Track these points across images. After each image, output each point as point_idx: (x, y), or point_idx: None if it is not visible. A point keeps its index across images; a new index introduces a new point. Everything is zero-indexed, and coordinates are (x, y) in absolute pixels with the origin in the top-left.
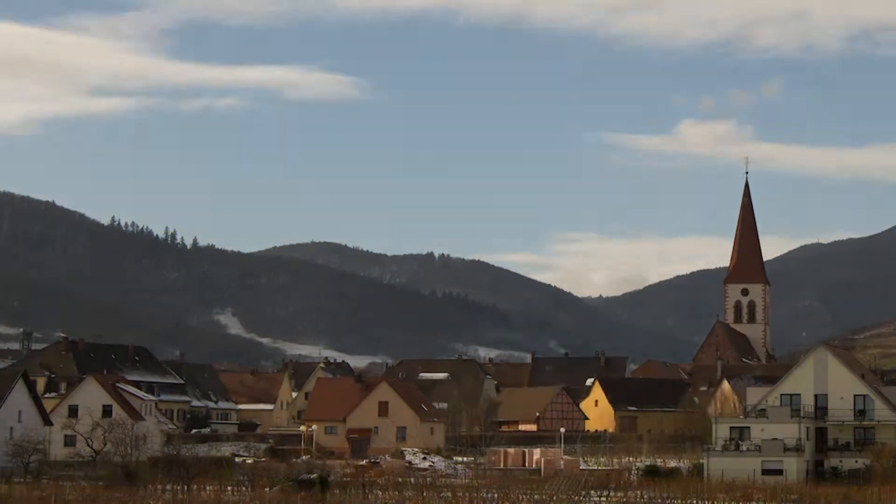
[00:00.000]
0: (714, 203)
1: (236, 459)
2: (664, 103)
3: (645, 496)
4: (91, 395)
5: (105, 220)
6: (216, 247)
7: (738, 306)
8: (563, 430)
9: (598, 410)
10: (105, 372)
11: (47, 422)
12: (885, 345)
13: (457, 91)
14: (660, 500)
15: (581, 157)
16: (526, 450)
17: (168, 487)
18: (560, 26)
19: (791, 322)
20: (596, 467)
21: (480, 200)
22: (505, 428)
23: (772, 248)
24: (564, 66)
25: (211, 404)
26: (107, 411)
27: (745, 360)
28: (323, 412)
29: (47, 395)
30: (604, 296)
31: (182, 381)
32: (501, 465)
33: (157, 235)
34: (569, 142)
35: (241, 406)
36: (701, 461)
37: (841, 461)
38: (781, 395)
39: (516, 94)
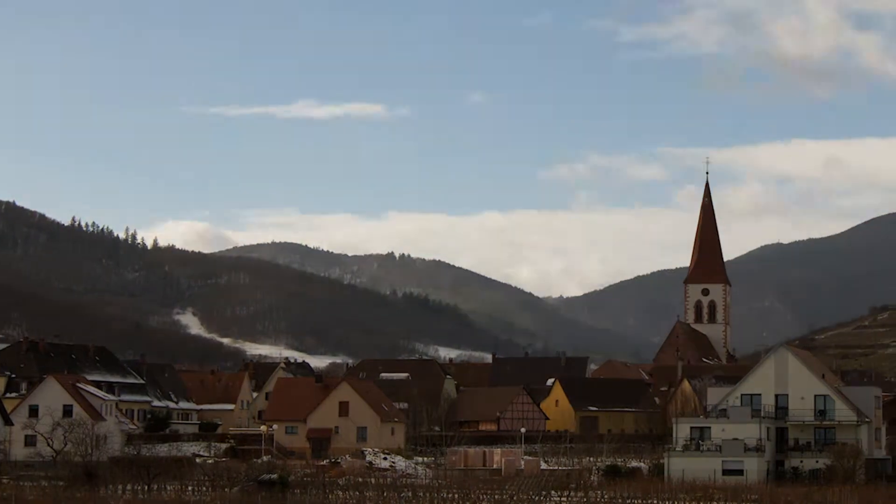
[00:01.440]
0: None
1: (197, 459)
2: None
3: (605, 496)
4: (52, 396)
5: (65, 221)
6: (176, 247)
7: (698, 306)
8: (523, 430)
9: (558, 410)
10: (66, 372)
11: (8, 422)
12: (845, 345)
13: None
14: (620, 501)
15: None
16: (486, 450)
17: (129, 487)
18: None
19: (751, 322)
20: (556, 467)
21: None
22: (465, 428)
23: (732, 248)
24: None
25: (171, 404)
26: (67, 411)
27: (705, 360)
28: (283, 412)
29: (8, 396)
30: (564, 296)
31: (143, 382)
32: (462, 465)
33: (117, 236)
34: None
35: (201, 406)
36: (662, 461)
37: (801, 461)
38: (742, 395)
39: None
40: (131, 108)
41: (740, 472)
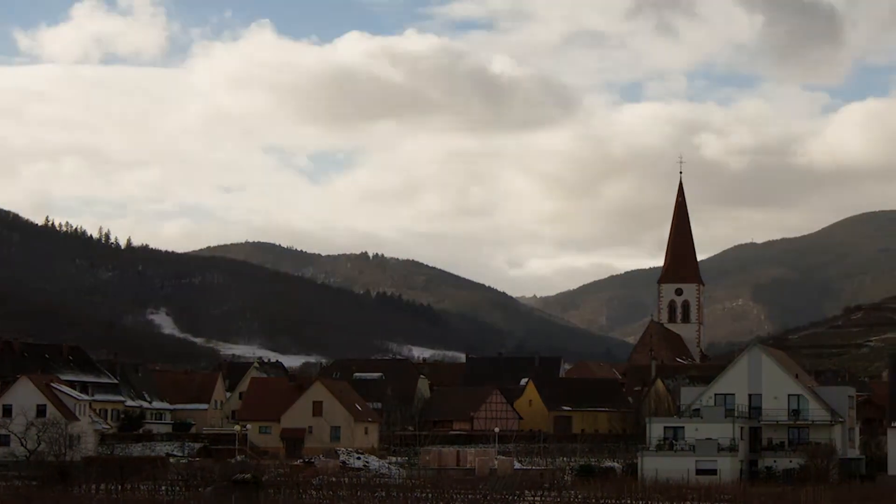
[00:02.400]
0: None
1: (170, 459)
2: None
3: (579, 496)
4: (25, 395)
5: (39, 221)
6: (150, 247)
7: (672, 306)
8: (497, 429)
9: (532, 410)
10: (39, 372)
11: None
12: (819, 344)
13: None
14: (594, 501)
15: None
16: (460, 450)
17: (102, 487)
18: None
19: (725, 322)
20: (530, 467)
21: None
22: (439, 428)
23: (706, 247)
24: None
25: (145, 404)
26: (41, 411)
27: (679, 359)
28: (257, 412)
29: None
30: (538, 296)
31: (116, 381)
32: (435, 465)
33: (90, 235)
34: None
35: (175, 406)
36: (635, 461)
37: (775, 461)
38: (715, 394)
39: None
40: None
41: (714, 472)
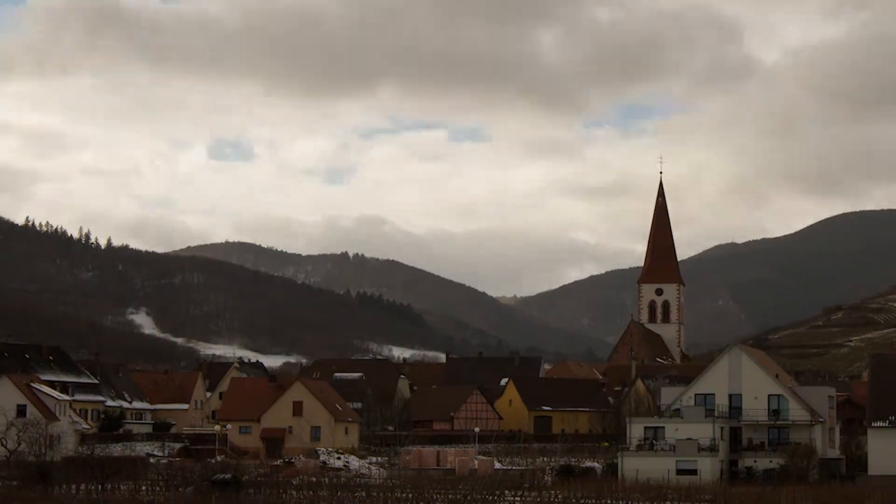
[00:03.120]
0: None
1: (151, 459)
2: None
3: (559, 496)
4: (5, 395)
5: (19, 220)
6: (130, 247)
7: (652, 306)
8: (477, 429)
9: (512, 410)
10: (20, 372)
11: None
12: (799, 344)
13: None
14: (574, 501)
15: None
16: (440, 449)
17: (82, 487)
18: None
19: (705, 322)
20: (510, 467)
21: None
22: (419, 428)
23: (686, 248)
24: None
25: (125, 404)
26: (21, 411)
27: (659, 359)
28: (237, 412)
29: None
30: (518, 296)
31: (96, 381)
32: (415, 465)
33: (71, 235)
34: None
35: (155, 406)
36: (615, 461)
37: (755, 461)
38: (696, 394)
39: None
40: None
41: (694, 472)
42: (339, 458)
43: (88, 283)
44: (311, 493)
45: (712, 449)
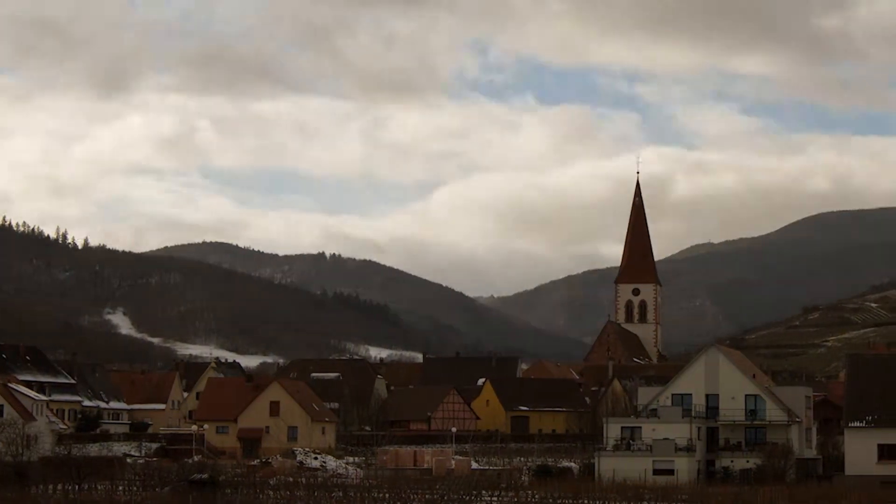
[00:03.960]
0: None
1: (128, 459)
2: None
3: (536, 496)
4: None
5: None
6: (107, 247)
7: (629, 306)
8: (454, 429)
9: (489, 410)
10: None
11: None
12: (776, 345)
13: None
14: (551, 501)
15: None
16: (417, 450)
17: (59, 487)
18: None
19: (682, 322)
20: (487, 467)
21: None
22: (396, 428)
23: (663, 248)
24: None
25: (102, 404)
26: None
27: (636, 359)
28: (214, 412)
29: None
30: (495, 296)
31: (73, 381)
32: (392, 465)
33: (48, 235)
34: None
35: (132, 406)
36: (592, 461)
37: (732, 461)
38: (672, 395)
39: None
40: None
41: (671, 472)
42: (315, 458)
43: (65, 283)
44: (288, 493)
45: (689, 449)
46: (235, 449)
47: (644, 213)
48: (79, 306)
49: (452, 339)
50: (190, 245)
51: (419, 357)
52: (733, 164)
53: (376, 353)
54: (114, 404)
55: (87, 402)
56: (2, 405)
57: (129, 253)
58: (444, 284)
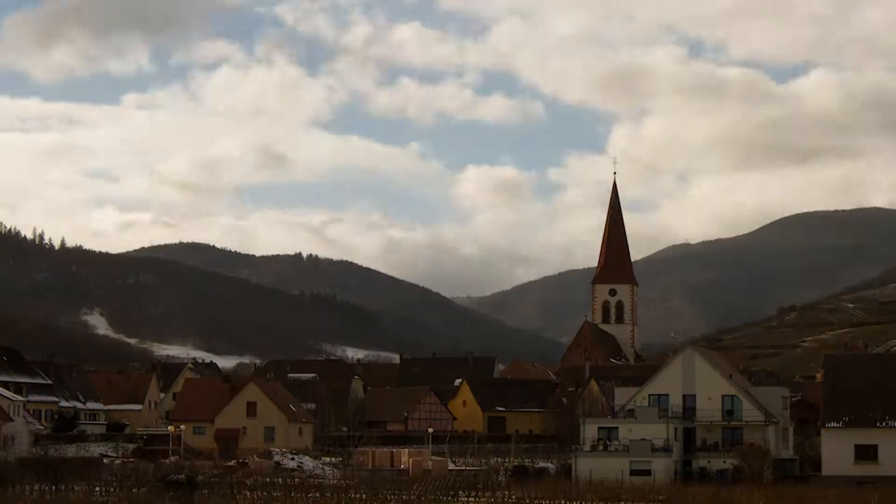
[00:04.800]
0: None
1: (104, 460)
2: None
3: (513, 497)
4: None
5: None
6: (84, 247)
7: (606, 307)
8: (431, 430)
9: (466, 411)
10: None
11: None
12: (753, 345)
13: None
14: (528, 501)
15: None
16: (394, 450)
17: (36, 488)
18: None
19: (659, 322)
20: (464, 468)
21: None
22: (373, 428)
23: (640, 248)
24: None
25: (79, 405)
26: None
27: (613, 360)
28: (191, 412)
29: None
30: (472, 296)
31: (50, 382)
32: (369, 465)
33: (24, 236)
34: None
35: (109, 406)
36: (569, 462)
37: (709, 462)
38: (649, 395)
39: None
40: None
41: (648, 473)
42: (292, 459)
43: (42, 284)
44: (265, 493)
45: (666, 449)
46: (212, 449)
47: (621, 213)
48: (56, 307)
49: (429, 339)
50: (167, 246)
51: (396, 358)
52: None
53: (353, 353)
54: (91, 405)
55: (64, 403)
56: None
57: (107, 254)
58: (420, 285)
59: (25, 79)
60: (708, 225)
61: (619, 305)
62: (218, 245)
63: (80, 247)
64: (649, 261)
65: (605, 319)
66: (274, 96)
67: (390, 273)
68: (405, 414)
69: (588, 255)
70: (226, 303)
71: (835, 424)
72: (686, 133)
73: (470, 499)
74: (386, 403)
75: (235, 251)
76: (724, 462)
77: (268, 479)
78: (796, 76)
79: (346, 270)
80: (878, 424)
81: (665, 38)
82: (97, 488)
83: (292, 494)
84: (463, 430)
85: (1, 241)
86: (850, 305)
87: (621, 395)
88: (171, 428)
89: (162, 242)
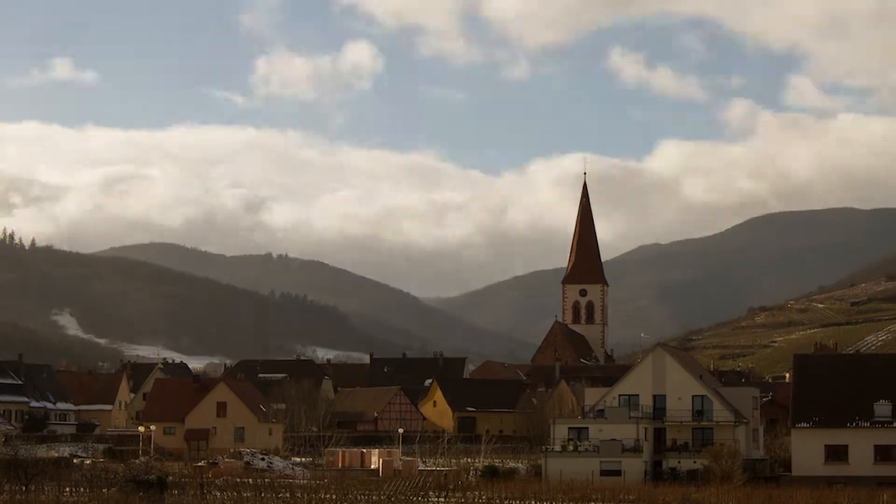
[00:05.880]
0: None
1: (75, 460)
2: None
3: (483, 497)
4: None
5: None
6: (54, 248)
7: (576, 307)
8: (401, 430)
9: (436, 411)
10: None
11: None
12: (723, 345)
13: None
14: (498, 501)
15: None
16: (364, 450)
17: (5, 488)
18: None
19: (630, 322)
20: (434, 468)
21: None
22: (343, 429)
23: (610, 248)
24: None
25: (49, 405)
26: None
27: (583, 360)
28: (161, 413)
29: None
30: (442, 296)
31: (20, 382)
32: (339, 465)
33: None
34: None
35: (79, 407)
36: (539, 462)
37: (679, 462)
38: (620, 395)
39: None
40: None
41: (618, 473)
42: (262, 459)
43: (12, 285)
44: (236, 493)
45: (636, 450)
46: (182, 450)
47: (591, 214)
48: (26, 307)
49: (399, 339)
50: (137, 246)
51: (366, 358)
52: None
53: (323, 353)
54: (61, 405)
55: (34, 403)
56: None
57: (77, 254)
58: (391, 285)
59: None
60: (679, 224)
61: (590, 306)
62: (188, 245)
63: (51, 247)
64: (620, 261)
65: (576, 320)
66: None
67: (361, 273)
68: (375, 414)
69: (559, 255)
70: (196, 303)
71: (805, 425)
72: None
73: (440, 499)
74: (356, 404)
75: (206, 251)
76: (695, 462)
77: (238, 480)
78: None
79: (317, 270)
80: (848, 425)
81: None
82: (67, 489)
83: (262, 495)
84: (433, 431)
85: None
86: (820, 306)
87: (591, 395)
88: (141, 428)
89: (132, 243)
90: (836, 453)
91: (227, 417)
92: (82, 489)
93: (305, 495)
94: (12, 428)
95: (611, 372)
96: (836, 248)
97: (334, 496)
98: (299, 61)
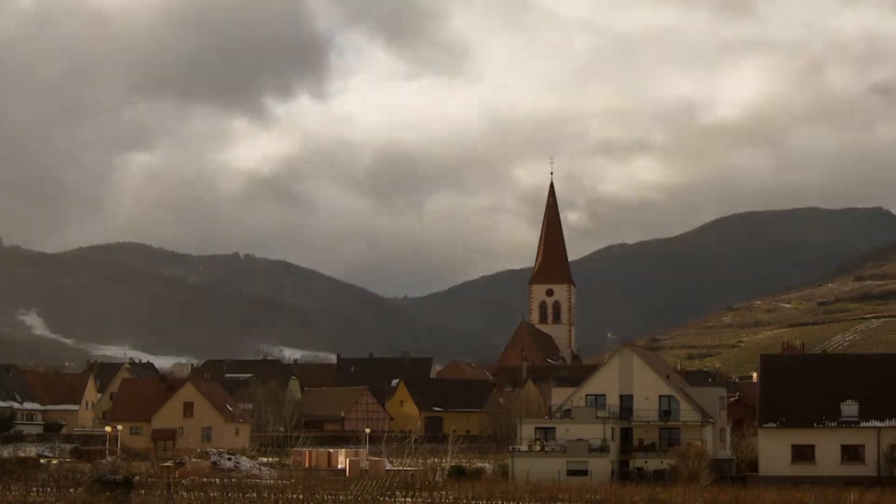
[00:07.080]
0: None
1: (41, 460)
2: None
3: (450, 497)
4: None
5: None
6: (21, 247)
7: (543, 307)
8: (368, 430)
9: (403, 411)
10: None
11: None
12: (690, 345)
13: None
14: (465, 501)
15: None
16: (331, 450)
17: None
18: None
19: (597, 323)
20: (401, 468)
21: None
22: (310, 428)
23: (577, 248)
24: None
25: (16, 405)
26: None
27: (550, 360)
28: (128, 413)
29: None
30: (409, 296)
31: None
32: (306, 465)
33: None
34: None
35: (46, 407)
36: (506, 462)
37: (646, 462)
38: (587, 395)
39: None
40: None
41: (585, 473)
42: (229, 459)
43: None
44: (202, 493)
45: (603, 450)
46: (149, 449)
47: (558, 214)
48: None
49: (366, 339)
50: (104, 246)
51: (333, 358)
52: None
53: (290, 353)
54: (28, 405)
55: (0, 403)
56: None
57: (43, 253)
58: (357, 285)
59: None
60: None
61: (557, 305)
62: (154, 245)
63: (18, 246)
64: (586, 261)
65: (543, 320)
66: None
67: (327, 273)
68: (342, 414)
69: (526, 255)
70: (163, 303)
71: (772, 425)
72: None
73: (407, 499)
74: (323, 404)
75: (172, 251)
76: (662, 462)
77: (205, 480)
78: None
79: (283, 270)
80: (814, 425)
81: None
82: (34, 489)
83: (229, 494)
84: (400, 431)
85: None
86: (787, 306)
87: (558, 395)
88: (107, 428)
89: (99, 242)
90: (804, 453)
91: (194, 417)
92: (49, 489)
93: (272, 495)
94: None
95: (578, 372)
96: (803, 249)
97: (301, 496)
98: None
